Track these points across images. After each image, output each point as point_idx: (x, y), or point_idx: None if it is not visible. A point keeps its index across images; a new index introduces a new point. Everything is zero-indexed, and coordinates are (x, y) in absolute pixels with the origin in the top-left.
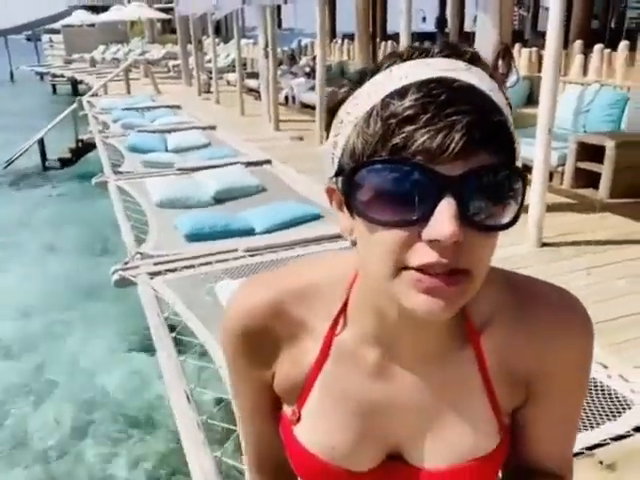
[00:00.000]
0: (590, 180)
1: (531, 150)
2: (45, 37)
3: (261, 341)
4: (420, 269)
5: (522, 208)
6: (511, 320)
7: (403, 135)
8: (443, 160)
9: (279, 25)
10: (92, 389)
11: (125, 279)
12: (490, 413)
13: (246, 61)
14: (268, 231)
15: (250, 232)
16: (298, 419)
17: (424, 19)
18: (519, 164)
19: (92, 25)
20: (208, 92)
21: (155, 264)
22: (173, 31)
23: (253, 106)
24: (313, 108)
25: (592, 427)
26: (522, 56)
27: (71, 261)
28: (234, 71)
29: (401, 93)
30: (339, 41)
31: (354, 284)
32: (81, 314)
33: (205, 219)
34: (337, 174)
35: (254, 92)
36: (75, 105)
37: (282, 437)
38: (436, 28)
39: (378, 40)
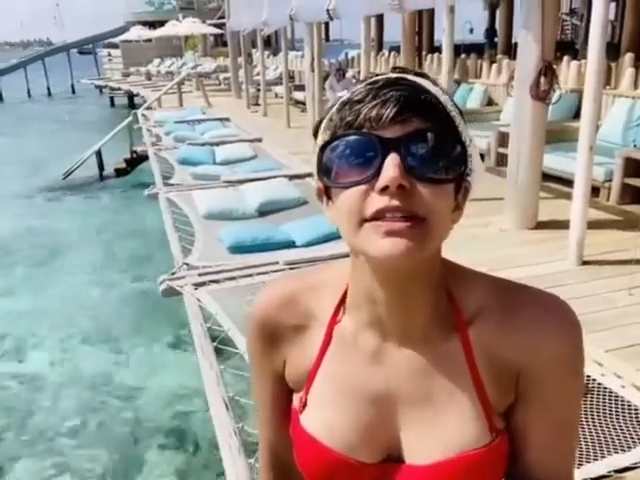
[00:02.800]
0: (638, 197)
1: (574, 165)
2: (104, 51)
3: (275, 329)
4: (377, 217)
5: (465, 170)
6: (500, 316)
7: (354, 113)
8: (384, 126)
9: (327, 37)
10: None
11: (172, 289)
12: (479, 407)
13: (294, 74)
14: (308, 244)
15: (291, 245)
16: (304, 405)
17: (471, 30)
18: (466, 139)
19: (149, 40)
20: (256, 104)
21: (200, 275)
22: (225, 44)
23: (299, 118)
24: None
25: (623, 450)
26: (571, 69)
27: (123, 268)
28: (282, 84)
29: (355, 91)
30: (385, 53)
31: (350, 275)
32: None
33: (248, 232)
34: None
35: (301, 104)
36: (131, 118)
37: (291, 431)
38: (485, 39)
39: (424, 53)
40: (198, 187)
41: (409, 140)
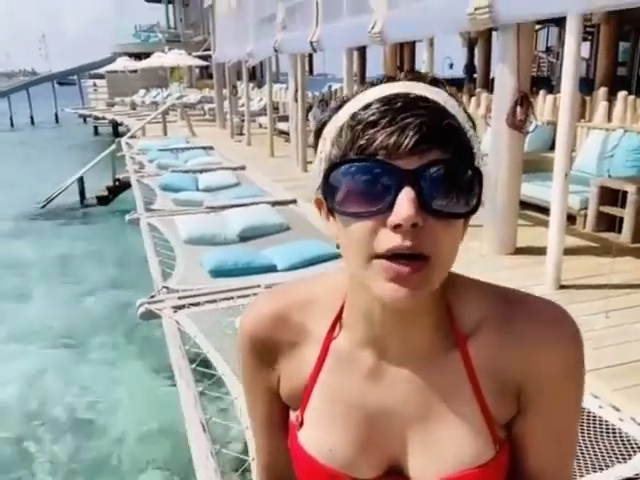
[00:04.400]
0: (612, 224)
1: (548, 192)
2: (89, 82)
3: (267, 346)
4: (388, 256)
5: (480, 202)
6: (500, 327)
7: (367, 137)
8: (400, 155)
9: (310, 71)
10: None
11: (150, 312)
12: (482, 421)
13: (278, 105)
14: (290, 268)
15: (272, 269)
16: (301, 424)
17: (451, 66)
18: (480, 164)
19: (134, 71)
20: (240, 134)
21: (179, 298)
22: (210, 76)
23: (283, 147)
24: None
25: (602, 469)
26: (547, 102)
27: (102, 292)
28: (267, 114)
29: (366, 106)
30: None
31: (348, 293)
32: (108, 342)
33: (229, 256)
34: (320, 184)
35: (285, 134)
36: (114, 146)
37: (289, 445)
38: (464, 74)
39: None
40: (180, 212)
41: (426, 173)
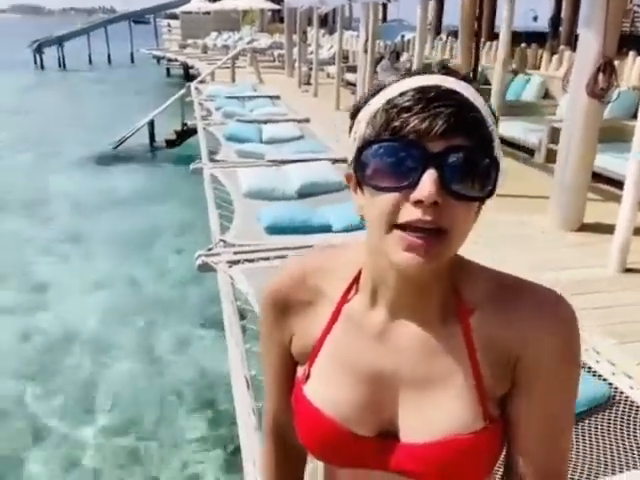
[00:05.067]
0: None
1: (625, 165)
2: (164, 22)
3: (285, 304)
4: (406, 226)
5: (495, 188)
6: (499, 305)
7: (401, 120)
8: (430, 139)
9: (384, 18)
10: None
11: (207, 265)
12: (475, 393)
13: (348, 54)
14: (345, 230)
15: (327, 229)
16: (307, 377)
17: (535, 19)
18: (498, 155)
19: (208, 12)
20: (308, 84)
21: (235, 253)
22: (282, 20)
23: (349, 100)
24: None
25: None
26: (636, 65)
27: (165, 236)
28: (335, 64)
29: (402, 93)
30: (443, 37)
31: (366, 261)
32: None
33: (286, 213)
34: (352, 160)
35: (352, 85)
36: (184, 90)
37: (293, 399)
38: (549, 27)
39: (484, 39)
40: (242, 165)
41: (449, 156)
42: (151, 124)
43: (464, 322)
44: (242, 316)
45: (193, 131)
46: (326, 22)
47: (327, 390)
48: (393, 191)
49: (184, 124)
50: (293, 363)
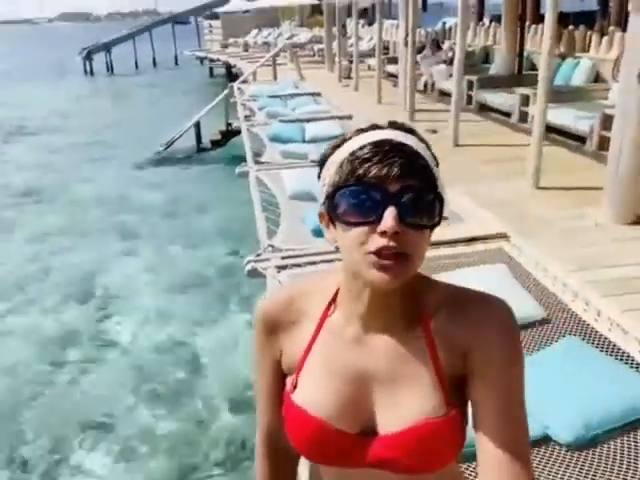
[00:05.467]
0: None
1: None
2: (205, 23)
3: (274, 325)
4: (376, 252)
5: (441, 218)
6: (453, 311)
7: (364, 168)
8: (388, 182)
9: (424, 6)
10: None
11: (256, 270)
12: (437, 384)
13: (388, 44)
14: None
15: None
16: (295, 386)
17: None
18: (441, 191)
19: (247, 11)
20: (348, 77)
21: (283, 258)
22: (322, 12)
23: (391, 93)
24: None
25: None
26: None
27: (214, 240)
28: (375, 55)
29: (362, 147)
30: (486, 22)
31: (342, 283)
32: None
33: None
34: (325, 201)
35: (393, 77)
36: (227, 91)
37: (283, 409)
38: (598, 6)
39: (528, 23)
40: (286, 166)
41: (404, 196)
42: (197, 125)
43: (425, 326)
44: None
45: (237, 131)
46: (365, 13)
47: (313, 393)
48: (363, 225)
49: (228, 124)
50: (284, 377)
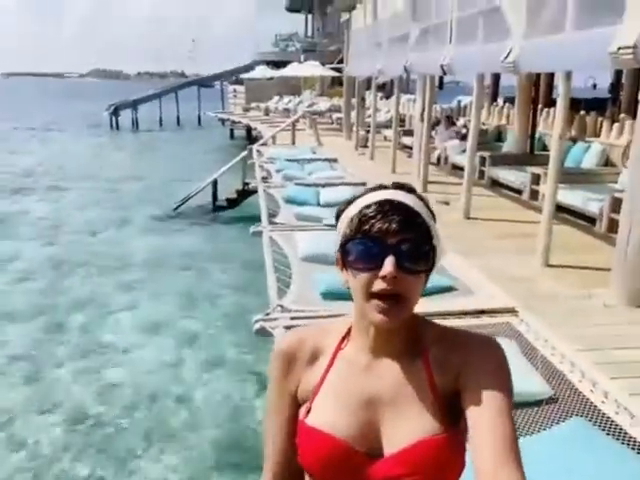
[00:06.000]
0: None
1: None
2: (230, 87)
3: (292, 360)
4: (378, 294)
5: (434, 265)
6: (447, 344)
7: (369, 224)
8: (388, 236)
9: (440, 85)
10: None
11: (264, 329)
12: (434, 404)
13: (404, 117)
14: None
15: None
16: (309, 411)
17: (594, 86)
18: (435, 242)
19: (270, 78)
20: (365, 147)
21: (292, 318)
22: (341, 83)
23: (405, 164)
24: (464, 170)
25: None
26: None
27: (224, 295)
28: (392, 127)
29: (368, 206)
30: (500, 103)
31: (354, 321)
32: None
33: (341, 279)
34: (339, 249)
35: (408, 149)
36: (246, 153)
37: (296, 437)
38: (609, 94)
39: (541, 106)
40: (300, 228)
41: (401, 246)
42: (214, 184)
43: (424, 356)
44: None
45: (253, 191)
46: (384, 86)
47: (327, 415)
48: (367, 271)
49: (245, 184)
50: (297, 409)
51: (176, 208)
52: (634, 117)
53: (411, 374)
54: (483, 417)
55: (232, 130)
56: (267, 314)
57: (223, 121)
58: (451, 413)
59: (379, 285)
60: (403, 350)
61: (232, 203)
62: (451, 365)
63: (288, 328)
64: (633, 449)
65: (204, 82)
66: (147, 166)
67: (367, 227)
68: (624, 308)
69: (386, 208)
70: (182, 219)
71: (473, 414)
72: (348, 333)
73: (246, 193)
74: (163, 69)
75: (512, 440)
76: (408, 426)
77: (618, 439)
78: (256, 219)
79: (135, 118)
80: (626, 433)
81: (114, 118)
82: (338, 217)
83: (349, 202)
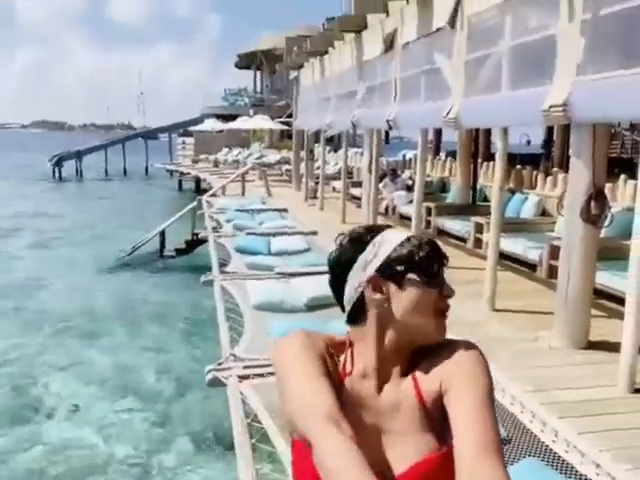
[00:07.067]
0: None
1: (625, 283)
2: (179, 140)
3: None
4: (443, 311)
5: None
6: (431, 360)
7: (425, 250)
8: (438, 267)
9: (386, 139)
10: None
11: (217, 379)
12: (426, 423)
13: (352, 169)
14: None
15: None
16: None
17: (528, 142)
18: None
19: (220, 131)
20: (314, 197)
21: (245, 367)
22: (290, 136)
23: (355, 214)
24: (411, 220)
25: None
26: (627, 187)
27: (175, 345)
28: (340, 178)
29: (420, 246)
30: (442, 157)
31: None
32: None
33: (296, 326)
34: (385, 270)
35: (357, 199)
36: (195, 203)
37: (298, 468)
38: (542, 150)
39: (480, 160)
40: (252, 277)
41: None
42: (162, 234)
43: (412, 375)
44: (253, 434)
45: (203, 241)
46: (332, 139)
47: None
48: (435, 287)
49: (194, 234)
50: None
51: (127, 256)
52: (566, 170)
53: (403, 393)
54: (464, 410)
55: (180, 181)
56: (219, 364)
57: (171, 172)
58: (443, 428)
59: (445, 303)
60: (398, 372)
61: (181, 252)
62: (434, 372)
63: (242, 377)
64: None
65: (151, 134)
66: (90, 216)
67: (425, 252)
68: (567, 350)
69: (423, 247)
70: (129, 270)
71: (454, 409)
72: (335, 356)
73: (195, 243)
74: (110, 121)
75: (494, 433)
76: (408, 449)
77: (570, 477)
78: (206, 268)
79: (79, 168)
80: (577, 471)
81: (57, 169)
82: (359, 241)
83: (368, 230)
